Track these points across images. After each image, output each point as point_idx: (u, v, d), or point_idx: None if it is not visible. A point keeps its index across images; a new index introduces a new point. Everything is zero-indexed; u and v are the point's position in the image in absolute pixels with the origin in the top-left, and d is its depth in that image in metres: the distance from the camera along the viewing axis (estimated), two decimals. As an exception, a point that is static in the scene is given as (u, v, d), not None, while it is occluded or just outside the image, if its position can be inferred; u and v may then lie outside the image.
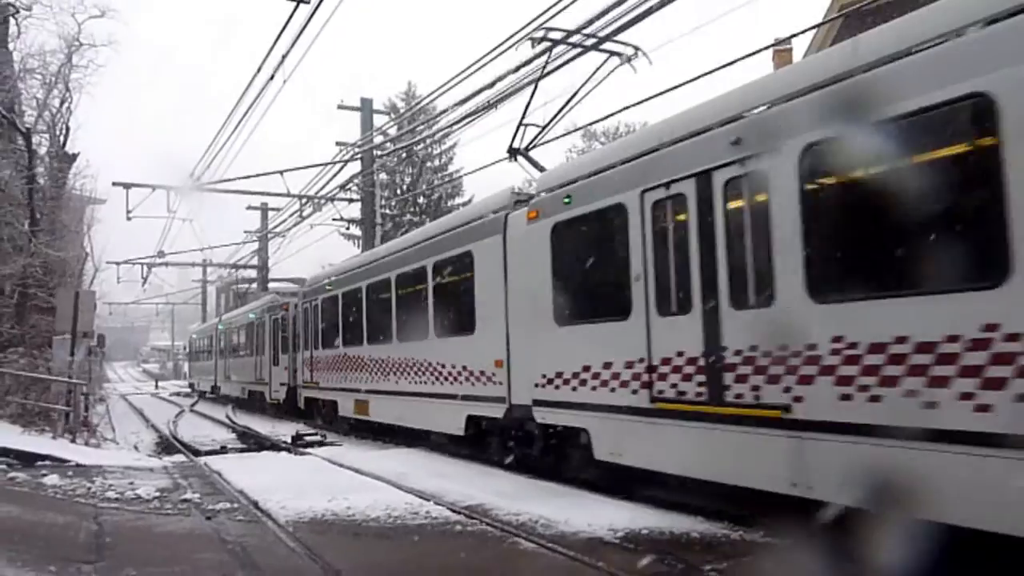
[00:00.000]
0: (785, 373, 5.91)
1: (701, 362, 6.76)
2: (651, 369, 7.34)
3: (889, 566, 4.49)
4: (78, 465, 10.85)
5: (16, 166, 19.56)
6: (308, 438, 15.06)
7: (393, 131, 23.76)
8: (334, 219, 23.74)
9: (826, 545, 4.97)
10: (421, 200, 38.61)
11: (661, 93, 10.94)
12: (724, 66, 10.23)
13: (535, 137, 11.18)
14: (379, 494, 8.58)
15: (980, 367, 4.58)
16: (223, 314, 37.87)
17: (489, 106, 13.86)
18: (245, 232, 36.66)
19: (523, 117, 11.20)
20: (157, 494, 8.77)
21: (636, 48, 10.43)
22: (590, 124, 20.13)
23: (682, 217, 7.05)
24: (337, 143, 21.68)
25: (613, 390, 7.87)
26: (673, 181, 7.10)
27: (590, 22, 10.64)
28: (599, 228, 8.29)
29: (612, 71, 10.62)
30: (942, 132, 5.01)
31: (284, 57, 13.85)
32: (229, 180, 20.97)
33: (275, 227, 28.55)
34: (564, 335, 8.69)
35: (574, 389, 8.48)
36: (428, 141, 30.56)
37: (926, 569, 4.30)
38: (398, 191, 38.78)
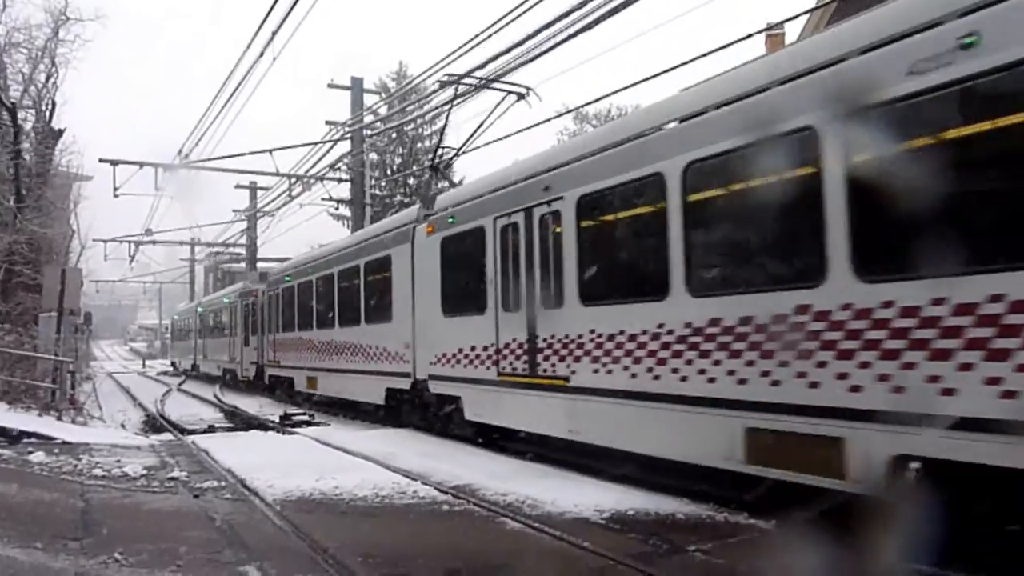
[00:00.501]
0: (567, 355, 8.47)
1: (526, 346, 9.23)
2: (498, 351, 9.81)
3: (872, 545, 4.57)
4: (64, 443, 10.81)
5: (1, 142, 19.33)
6: (296, 418, 15.08)
7: (384, 111, 23.62)
8: (323, 199, 23.60)
9: (808, 527, 5.08)
10: (411, 181, 38.44)
11: (649, 78, 11.37)
12: (715, 50, 10.31)
13: (451, 157, 14.54)
14: (366, 474, 8.60)
15: (655, 351, 7.17)
16: (203, 298, 39.13)
17: (479, 87, 13.75)
18: (234, 211, 36.37)
19: (440, 140, 14.50)
20: (144, 472, 8.76)
21: (528, 88, 12.82)
22: (583, 106, 20.22)
23: (516, 239, 9.50)
24: (327, 122, 21.58)
25: (476, 367, 10.30)
26: (512, 212, 9.55)
27: (486, 63, 12.65)
28: (470, 243, 10.53)
29: (510, 106, 12.92)
30: (637, 199, 7.67)
31: (274, 34, 13.77)
32: (218, 159, 20.86)
33: (264, 206, 28.38)
34: (447, 324, 11.15)
35: (452, 366, 10.93)
36: (418, 121, 30.35)
37: (906, 546, 4.49)
38: (388, 171, 38.54)
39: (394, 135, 33.50)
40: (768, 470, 6.04)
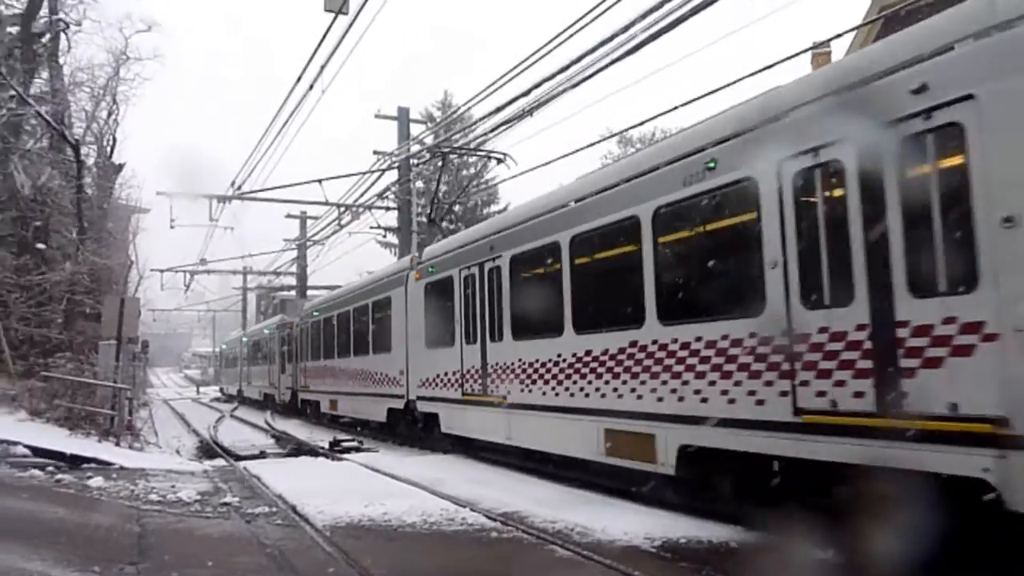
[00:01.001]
0: (505, 379, 10.80)
1: (480, 372, 11.57)
2: (463, 376, 12.15)
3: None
4: (122, 468, 11.07)
5: (65, 176, 20.10)
6: (345, 443, 15.20)
7: (429, 140, 23.90)
8: (371, 227, 23.97)
9: (866, 556, 5.06)
10: (457, 208, 38.76)
11: (690, 102, 11.49)
12: (760, 71, 10.24)
13: (445, 211, 19.03)
14: (415, 500, 8.62)
15: (556, 374, 9.49)
16: (247, 328, 42.18)
17: (524, 114, 13.88)
18: (284, 240, 37.20)
19: (434, 197, 18.56)
20: (198, 497, 8.92)
21: (505, 154, 15.94)
22: (626, 130, 20.35)
23: (473, 286, 11.85)
24: (375, 152, 21.91)
25: (448, 389, 12.69)
26: (471, 265, 11.94)
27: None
28: (444, 288, 12.90)
29: (492, 168, 17.14)
30: (544, 260, 10.09)
31: (322, 68, 14.08)
32: (269, 189, 21.34)
33: (313, 235, 28.94)
34: (429, 354, 13.56)
35: (433, 389, 13.33)
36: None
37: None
38: (434, 199, 38.98)
39: (440, 163, 33.89)
40: (616, 460, 8.43)
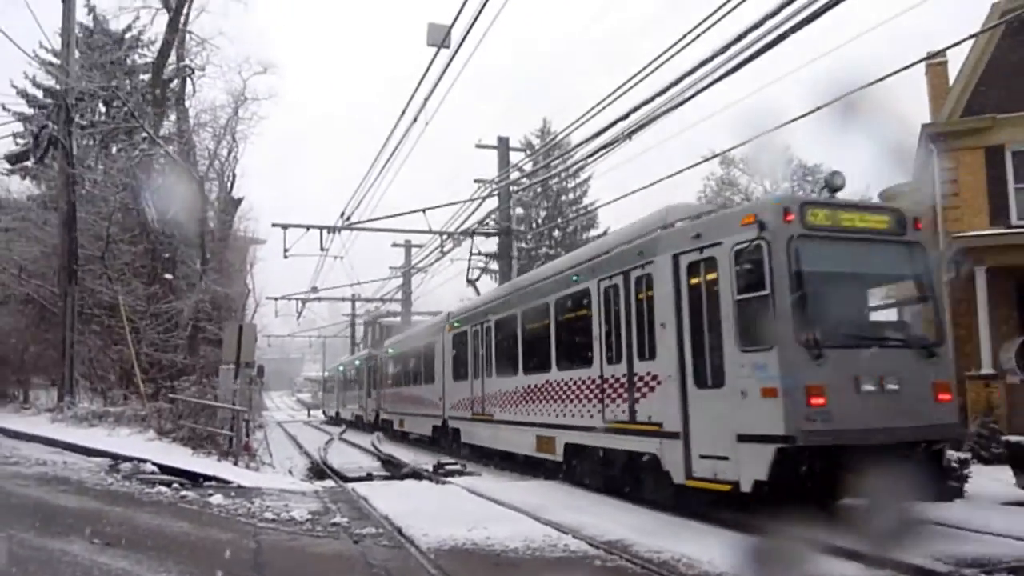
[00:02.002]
0: (493, 403, 15.58)
1: (481, 399, 16.46)
2: (472, 401, 17.05)
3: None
4: (239, 487, 11.57)
5: (190, 211, 21.46)
6: (449, 467, 15.36)
7: (529, 167, 24.18)
8: (472, 254, 24.33)
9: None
10: (556, 233, 38.85)
11: (790, 122, 10.91)
12: (874, 82, 9.83)
13: (478, 276, 23.85)
14: (517, 525, 8.61)
15: (515, 400, 14.55)
16: (355, 353, 46.12)
17: (623, 137, 13.82)
18: (390, 268, 38.29)
19: (469, 263, 22.26)
20: (309, 517, 9.21)
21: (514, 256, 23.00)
22: (728, 150, 20.17)
23: (476, 339, 17.09)
24: (476, 180, 22.32)
25: (465, 410, 17.66)
26: (474, 324, 17.19)
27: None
28: (463, 339, 18.14)
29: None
30: (504, 326, 15.50)
31: (426, 100, 14.50)
32: (376, 219, 22.07)
33: (417, 263, 29.67)
34: (455, 385, 18.61)
35: (457, 410, 18.41)
36: (563, 175, 30.86)
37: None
38: (534, 225, 39.19)
39: (539, 189, 34.15)
40: (540, 454, 13.36)
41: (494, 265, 29.16)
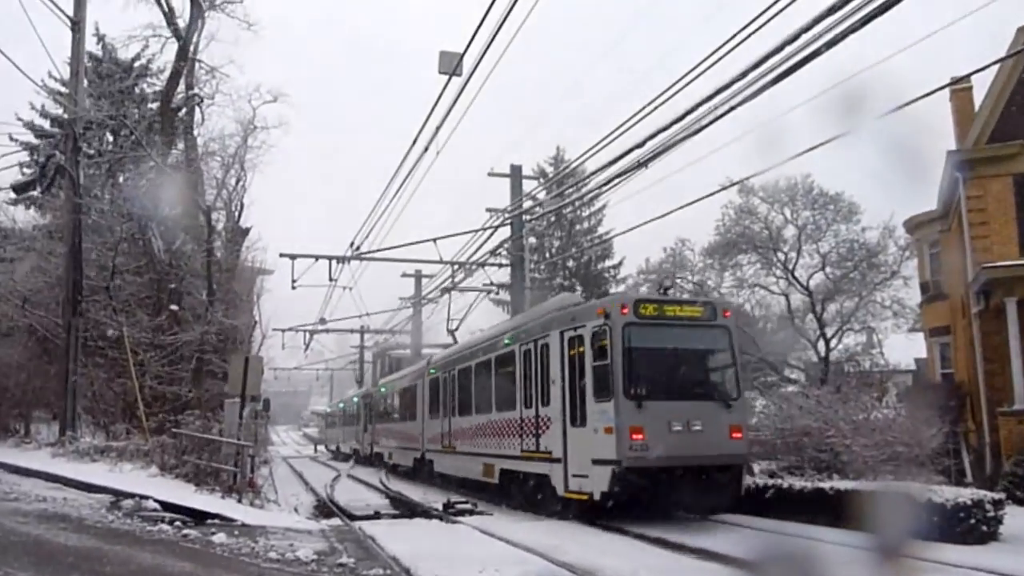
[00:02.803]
0: (456, 437, 18.90)
1: (448, 434, 19.47)
2: (442, 436, 19.80)
3: None
4: (244, 525, 11.19)
5: (197, 241, 21.28)
6: (459, 506, 14.89)
7: (542, 195, 23.98)
8: (484, 284, 24.06)
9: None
10: (571, 263, 38.38)
11: (810, 149, 10.66)
12: (898, 108, 9.55)
13: (457, 325, 24.86)
14: (531, 566, 8.29)
15: (470, 435, 17.80)
16: (344, 395, 48.89)
17: (639, 165, 13.56)
18: (400, 299, 37.94)
19: (448, 311, 24.52)
20: (315, 557, 8.82)
21: (497, 286, 26.47)
22: (746, 179, 20.14)
23: (447, 383, 20.13)
24: (488, 209, 22.11)
25: (436, 444, 20.36)
26: (444, 372, 20.45)
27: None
28: (436, 383, 21.09)
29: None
30: (466, 374, 18.75)
31: (437, 129, 14.33)
32: (386, 249, 21.86)
33: (428, 293, 29.40)
34: (431, 422, 21.31)
35: (432, 444, 20.98)
36: (577, 204, 30.62)
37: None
38: (547, 255, 38.73)
39: (553, 218, 33.96)
40: (484, 478, 16.26)
41: (506, 295, 28.81)
